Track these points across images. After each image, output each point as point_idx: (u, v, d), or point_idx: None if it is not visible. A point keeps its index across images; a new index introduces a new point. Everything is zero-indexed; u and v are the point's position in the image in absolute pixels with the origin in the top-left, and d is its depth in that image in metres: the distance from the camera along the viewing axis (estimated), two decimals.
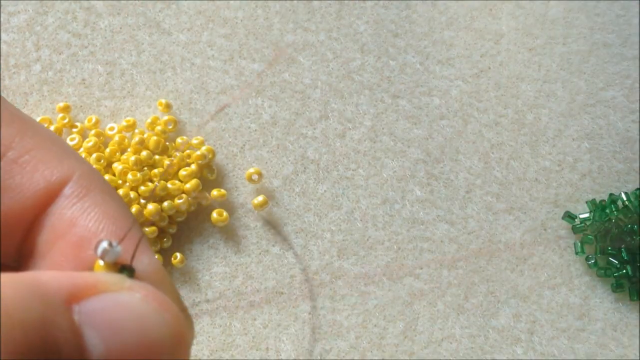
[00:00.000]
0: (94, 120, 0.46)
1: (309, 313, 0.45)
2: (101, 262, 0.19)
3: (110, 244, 0.19)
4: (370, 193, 0.47)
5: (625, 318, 0.46)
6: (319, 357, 0.44)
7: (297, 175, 0.47)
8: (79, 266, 0.20)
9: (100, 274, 0.19)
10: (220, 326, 0.44)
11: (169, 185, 0.45)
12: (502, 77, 0.50)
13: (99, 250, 0.19)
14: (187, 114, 0.47)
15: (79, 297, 0.18)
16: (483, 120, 0.49)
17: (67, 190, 0.20)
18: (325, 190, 0.47)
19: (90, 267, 0.20)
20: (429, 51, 0.50)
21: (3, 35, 0.48)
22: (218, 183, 0.47)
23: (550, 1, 0.52)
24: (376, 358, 0.44)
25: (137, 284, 0.19)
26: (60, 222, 0.20)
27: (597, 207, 0.47)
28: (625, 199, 0.47)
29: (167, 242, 0.45)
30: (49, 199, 0.20)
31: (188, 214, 0.45)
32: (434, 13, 0.51)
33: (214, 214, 0.45)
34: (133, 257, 0.20)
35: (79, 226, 0.20)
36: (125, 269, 0.19)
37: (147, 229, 0.44)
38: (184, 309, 0.21)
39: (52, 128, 0.46)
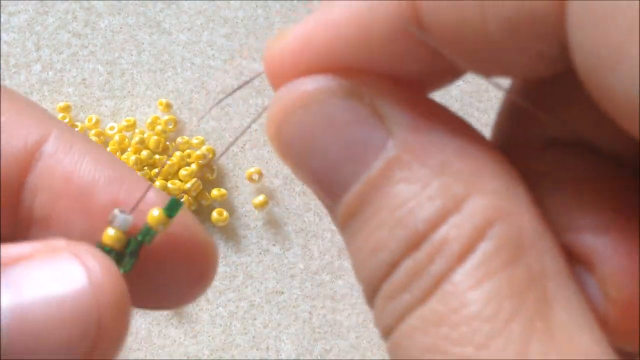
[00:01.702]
0: (94, 120, 0.46)
1: (309, 313, 0.45)
2: (111, 232, 0.19)
3: (121, 212, 0.19)
4: None
5: None
6: (319, 357, 0.44)
7: None
8: (89, 217, 0.19)
9: (39, 242, 0.18)
10: (221, 326, 0.44)
11: (169, 185, 0.45)
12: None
13: (111, 219, 0.19)
14: (188, 113, 0.47)
15: (6, 264, 0.17)
16: (483, 120, 0.49)
17: (50, 148, 0.20)
18: None
19: (101, 217, 0.19)
20: None
21: (3, 35, 0.48)
22: (218, 183, 0.47)
23: None
24: (376, 358, 0.44)
25: (76, 244, 0.18)
26: (54, 180, 0.20)
27: None
28: None
29: None
30: (29, 159, 0.20)
31: None
32: None
33: (214, 214, 0.45)
34: (134, 208, 0.19)
35: (75, 179, 0.20)
36: (132, 241, 0.19)
37: None
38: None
39: None
